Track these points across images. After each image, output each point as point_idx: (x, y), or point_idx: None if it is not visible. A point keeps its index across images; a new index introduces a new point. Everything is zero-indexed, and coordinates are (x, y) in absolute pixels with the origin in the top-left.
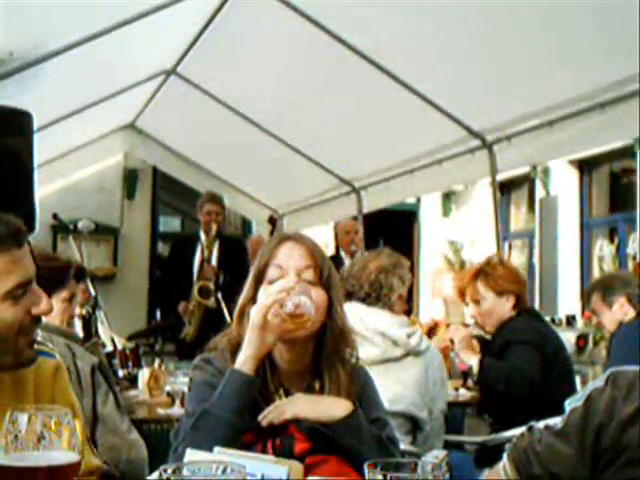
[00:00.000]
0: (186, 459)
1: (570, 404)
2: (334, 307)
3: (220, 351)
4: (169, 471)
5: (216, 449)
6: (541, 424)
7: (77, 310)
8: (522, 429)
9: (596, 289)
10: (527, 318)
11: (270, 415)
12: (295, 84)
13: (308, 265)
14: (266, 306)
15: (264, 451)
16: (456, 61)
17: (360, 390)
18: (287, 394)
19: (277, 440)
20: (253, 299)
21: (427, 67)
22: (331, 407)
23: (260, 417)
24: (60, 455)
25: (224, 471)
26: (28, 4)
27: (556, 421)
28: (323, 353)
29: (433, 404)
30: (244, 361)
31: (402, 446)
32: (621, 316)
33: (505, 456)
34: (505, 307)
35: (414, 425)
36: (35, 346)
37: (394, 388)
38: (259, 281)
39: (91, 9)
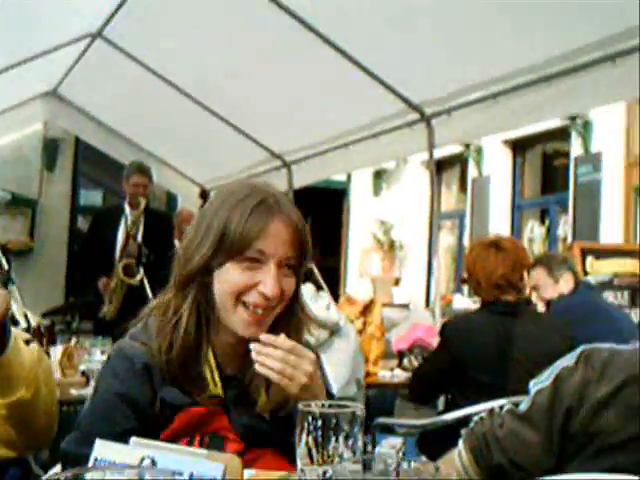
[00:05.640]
0: (95, 452)
1: (536, 385)
2: (299, 289)
3: (143, 327)
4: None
5: (133, 439)
6: (504, 404)
7: None
8: (462, 412)
9: (540, 264)
10: (467, 315)
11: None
12: (227, 52)
13: (292, 255)
14: None
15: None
16: (396, 30)
17: None
18: (222, 378)
19: (206, 439)
20: (208, 269)
21: (366, 36)
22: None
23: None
24: None
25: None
26: None
27: (520, 403)
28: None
29: (357, 373)
30: None
31: None
32: (566, 290)
33: (461, 442)
34: (465, 299)
35: None
36: None
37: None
38: (229, 254)
39: None
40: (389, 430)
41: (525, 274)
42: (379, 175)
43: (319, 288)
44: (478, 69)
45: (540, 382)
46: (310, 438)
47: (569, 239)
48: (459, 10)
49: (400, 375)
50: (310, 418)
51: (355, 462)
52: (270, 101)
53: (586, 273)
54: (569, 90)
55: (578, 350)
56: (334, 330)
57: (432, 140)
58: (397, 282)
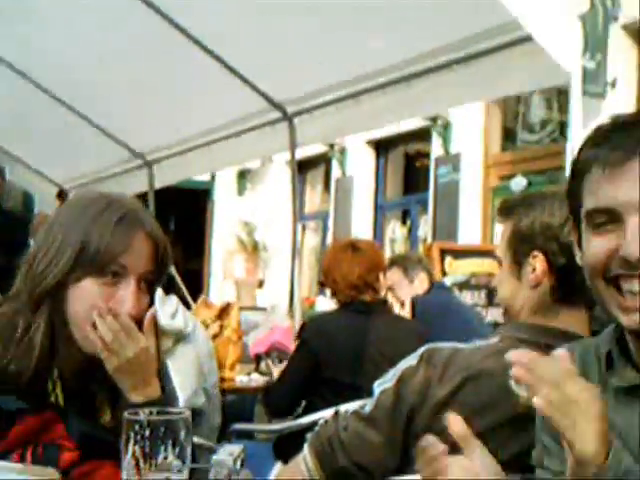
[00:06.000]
0: None
1: (380, 385)
2: (153, 304)
3: None
4: None
5: None
6: (350, 407)
7: None
8: (318, 415)
9: (395, 265)
10: (324, 316)
11: None
12: (86, 46)
13: (151, 270)
14: None
15: (22, 461)
16: (258, 28)
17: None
18: (65, 390)
19: (40, 448)
20: (64, 284)
21: (228, 33)
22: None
23: None
24: None
25: None
26: None
27: (365, 405)
28: None
29: (207, 382)
30: None
31: (195, 439)
32: (421, 290)
33: (306, 446)
34: (328, 301)
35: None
36: None
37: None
38: (89, 269)
39: None
40: (248, 436)
41: (381, 275)
42: (243, 175)
43: (168, 292)
44: (339, 68)
45: (384, 382)
46: (137, 448)
47: (429, 239)
48: (320, 9)
49: (258, 379)
50: (137, 427)
51: (179, 471)
52: (130, 98)
53: (445, 273)
54: (427, 91)
55: (420, 350)
56: (179, 337)
57: (294, 139)
58: (261, 284)
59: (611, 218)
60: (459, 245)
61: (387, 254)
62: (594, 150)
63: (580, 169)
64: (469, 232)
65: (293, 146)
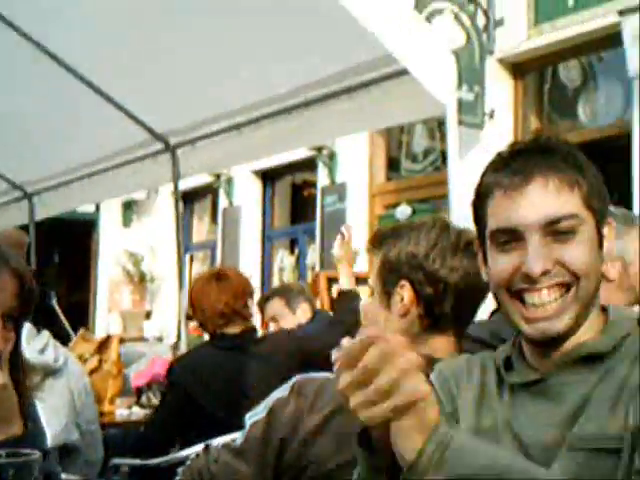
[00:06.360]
0: None
1: (251, 417)
2: (20, 342)
3: None
4: None
5: None
6: (221, 440)
7: None
8: (197, 447)
9: (277, 295)
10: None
11: None
12: None
13: (15, 306)
14: None
15: None
16: (139, 58)
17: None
18: None
19: None
20: None
21: (107, 61)
22: None
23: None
24: None
25: None
26: None
27: (237, 438)
28: None
29: (81, 417)
30: None
31: (64, 476)
32: (304, 320)
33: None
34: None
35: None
36: None
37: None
38: None
39: None
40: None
41: (250, 301)
42: (129, 206)
43: (49, 325)
44: (221, 100)
45: (255, 415)
46: None
47: (317, 268)
48: (202, 41)
49: (138, 412)
50: None
51: None
52: (7, 129)
53: (333, 301)
54: (309, 122)
55: (292, 381)
56: (47, 372)
57: (177, 171)
58: (148, 315)
59: (514, 237)
60: None
61: (276, 283)
62: (495, 175)
63: (483, 192)
64: (356, 260)
65: (176, 177)
